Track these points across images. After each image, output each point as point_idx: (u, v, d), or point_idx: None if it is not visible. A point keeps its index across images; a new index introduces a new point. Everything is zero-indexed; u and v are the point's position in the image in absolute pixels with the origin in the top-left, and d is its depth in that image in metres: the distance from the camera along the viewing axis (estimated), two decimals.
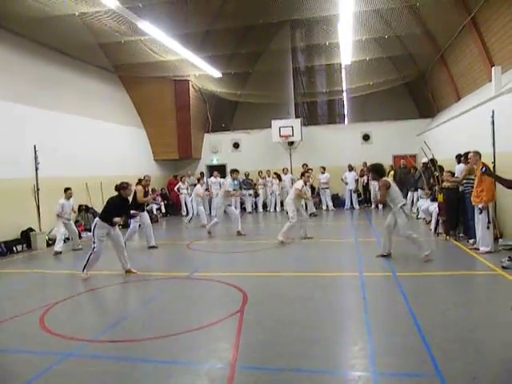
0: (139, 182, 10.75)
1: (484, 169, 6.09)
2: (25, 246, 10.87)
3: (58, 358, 4.15)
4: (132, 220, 10.42)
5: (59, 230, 10.22)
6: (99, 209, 13.74)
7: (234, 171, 12.30)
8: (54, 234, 10.78)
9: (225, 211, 11.71)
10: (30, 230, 11.13)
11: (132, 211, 9.09)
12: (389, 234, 7.82)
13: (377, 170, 7.83)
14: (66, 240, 10.92)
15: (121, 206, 7.62)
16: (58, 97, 13.02)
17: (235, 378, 3.56)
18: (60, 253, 10.00)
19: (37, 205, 11.58)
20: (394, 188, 7.57)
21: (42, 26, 11.28)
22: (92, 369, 3.93)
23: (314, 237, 10.38)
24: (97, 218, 7.57)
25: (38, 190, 11.63)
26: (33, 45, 12.12)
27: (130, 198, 8.53)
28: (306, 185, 10.95)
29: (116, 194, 7.64)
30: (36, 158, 11.69)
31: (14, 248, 10.57)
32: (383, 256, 7.82)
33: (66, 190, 10.29)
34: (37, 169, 11.69)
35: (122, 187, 7.61)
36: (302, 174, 10.92)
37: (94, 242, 7.33)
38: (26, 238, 10.97)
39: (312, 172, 16.05)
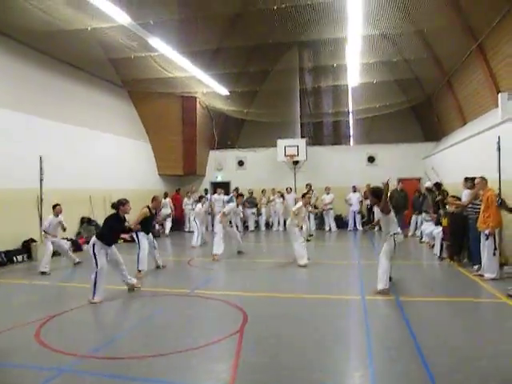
0: (151, 201, 9.64)
1: (500, 202, 6.06)
2: (25, 256, 10.82)
3: (52, 374, 4.08)
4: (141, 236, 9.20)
5: (47, 248, 9.43)
6: (101, 221, 13.79)
7: (240, 196, 12.26)
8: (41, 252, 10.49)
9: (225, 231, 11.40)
10: (32, 240, 11.10)
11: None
12: (387, 261, 7.63)
13: (376, 194, 7.56)
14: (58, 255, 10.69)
15: (119, 225, 7.23)
16: (65, 109, 13.11)
17: None
18: (46, 273, 9.07)
19: (40, 215, 11.56)
20: (393, 214, 7.32)
21: (52, 39, 11.43)
22: None
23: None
24: (94, 238, 6.96)
25: (41, 200, 11.63)
26: (43, 57, 12.25)
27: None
28: (305, 207, 10.43)
29: (113, 212, 7.24)
30: (41, 168, 11.73)
31: (15, 258, 10.53)
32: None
33: (55, 206, 9.72)
34: (41, 180, 11.71)
35: (120, 204, 7.18)
36: (303, 195, 10.55)
37: (95, 261, 6.80)
38: (27, 248, 10.93)
39: (314, 193, 16.03)
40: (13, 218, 10.58)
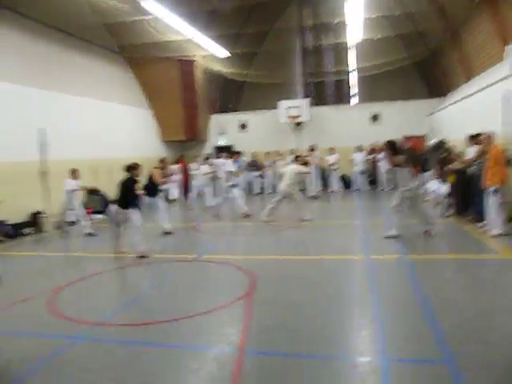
0: (159, 163, 10.31)
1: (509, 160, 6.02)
2: (33, 228, 10.93)
3: (67, 342, 4.19)
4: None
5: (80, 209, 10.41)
6: (107, 190, 13.83)
7: (236, 153, 12.62)
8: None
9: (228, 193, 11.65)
10: (38, 213, 11.18)
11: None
12: (396, 214, 7.77)
13: (393, 147, 7.75)
14: (72, 223, 10.94)
15: (133, 187, 7.59)
16: (64, 78, 12.90)
17: (244, 363, 3.56)
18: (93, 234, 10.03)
19: (45, 187, 11.57)
20: (402, 170, 7.47)
21: (46, 7, 11.14)
22: (100, 352, 3.97)
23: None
24: (113, 206, 7.58)
25: (46, 172, 11.61)
26: (37, 25, 11.93)
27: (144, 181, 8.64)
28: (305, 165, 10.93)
29: (126, 175, 7.57)
30: (42, 140, 11.64)
31: (23, 230, 10.64)
32: (391, 237, 7.77)
33: (73, 171, 10.33)
34: (44, 151, 11.64)
35: (132, 168, 7.57)
36: (296, 158, 10.84)
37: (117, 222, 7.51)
38: (34, 220, 11.03)
39: (314, 153, 15.96)
40: (18, 191, 10.60)
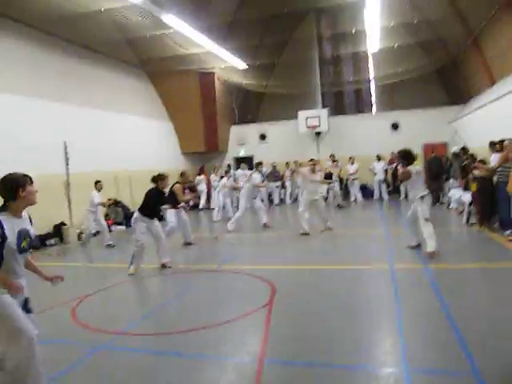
0: (179, 177, 9.73)
1: None
2: (57, 239, 11.14)
3: (89, 350, 4.23)
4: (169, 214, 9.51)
5: (100, 224, 10.42)
6: (127, 202, 14.02)
7: (259, 164, 12.55)
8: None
9: (250, 205, 11.56)
10: (62, 224, 11.40)
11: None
12: (413, 224, 7.59)
13: (404, 157, 7.37)
14: (96, 233, 11.13)
15: (159, 198, 7.60)
16: (86, 93, 13.22)
17: (264, 373, 3.53)
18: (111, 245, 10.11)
19: (68, 199, 11.83)
20: (415, 179, 7.24)
21: (69, 24, 11.45)
22: (122, 361, 3.99)
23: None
24: (136, 213, 7.43)
25: (68, 184, 11.88)
26: (61, 42, 12.32)
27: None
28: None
29: (152, 186, 7.55)
30: (66, 153, 11.93)
31: (47, 242, 10.85)
32: (413, 247, 7.64)
33: (97, 182, 10.40)
34: (67, 164, 11.93)
35: (159, 178, 7.52)
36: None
37: (137, 237, 7.27)
38: (58, 231, 11.24)
39: (339, 163, 15.97)
40: (43, 203, 10.71)
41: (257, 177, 11.89)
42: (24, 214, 3.26)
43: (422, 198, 7.11)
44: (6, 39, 10.62)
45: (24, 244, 3.14)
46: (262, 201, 17.24)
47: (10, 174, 3.20)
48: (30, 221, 3.39)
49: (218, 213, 13.76)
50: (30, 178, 3.28)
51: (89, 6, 10.30)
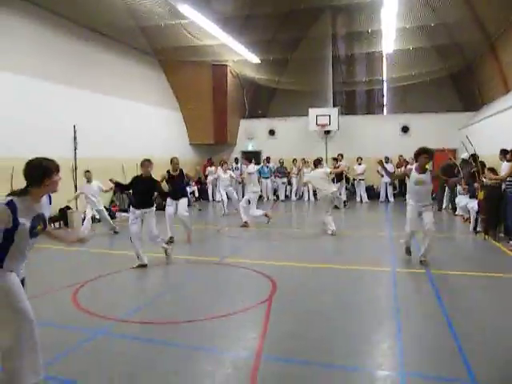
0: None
1: None
2: (62, 223, 11.20)
3: (87, 336, 4.25)
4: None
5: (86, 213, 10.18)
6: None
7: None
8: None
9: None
10: (67, 208, 11.44)
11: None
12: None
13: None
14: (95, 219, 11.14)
15: (139, 186, 7.13)
16: (97, 78, 13.23)
17: (260, 369, 3.53)
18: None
19: (74, 184, 11.87)
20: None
21: (83, 8, 11.44)
22: (118, 349, 4.00)
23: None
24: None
25: (76, 169, 11.92)
26: (74, 26, 12.30)
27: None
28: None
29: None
30: (75, 138, 11.97)
31: (52, 225, 10.90)
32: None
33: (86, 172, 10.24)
34: (75, 149, 11.97)
35: (141, 164, 7.19)
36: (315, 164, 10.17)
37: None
38: (63, 215, 11.30)
39: (345, 163, 15.88)
40: None
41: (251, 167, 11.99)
42: (43, 198, 3.25)
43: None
44: (17, 19, 10.57)
45: (38, 229, 3.16)
46: (267, 197, 17.38)
47: (38, 159, 3.17)
48: (50, 199, 3.36)
49: (224, 206, 13.69)
50: (57, 167, 3.24)
51: None
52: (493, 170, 8.92)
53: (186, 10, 10.91)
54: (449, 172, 12.30)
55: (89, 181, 10.14)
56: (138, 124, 15.14)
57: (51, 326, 4.48)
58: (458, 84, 19.07)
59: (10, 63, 10.27)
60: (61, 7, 11.39)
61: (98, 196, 10.25)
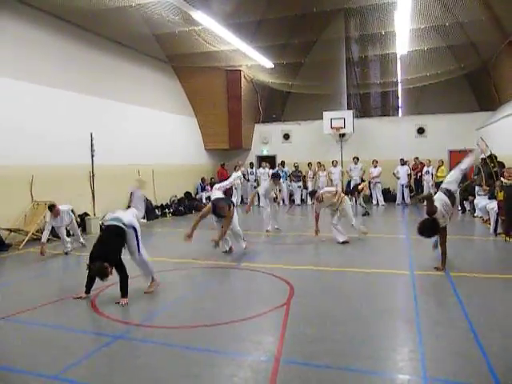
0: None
1: None
2: (80, 229, 11.32)
3: (107, 340, 4.29)
4: None
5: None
6: (150, 196, 14.18)
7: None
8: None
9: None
10: (86, 214, 11.59)
11: None
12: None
13: None
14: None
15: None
16: (113, 86, 13.42)
17: (279, 372, 3.51)
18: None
19: (91, 190, 12.03)
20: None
21: (98, 17, 11.62)
22: (139, 353, 4.03)
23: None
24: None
25: (93, 175, 12.09)
26: (90, 35, 12.50)
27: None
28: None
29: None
30: (92, 145, 12.15)
31: (70, 231, 11.02)
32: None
33: (51, 208, 8.51)
34: (93, 156, 12.15)
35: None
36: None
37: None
38: (81, 221, 11.43)
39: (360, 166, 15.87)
40: (68, 193, 11.06)
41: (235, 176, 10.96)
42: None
43: None
44: (34, 30, 10.79)
45: None
46: (283, 201, 17.34)
47: None
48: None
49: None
50: None
51: (120, 1, 10.41)
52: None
53: (199, 16, 11.01)
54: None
55: (56, 215, 8.55)
56: (154, 130, 15.29)
57: (71, 331, 4.54)
58: (473, 84, 18.82)
59: (26, 72, 10.50)
60: (76, 17, 11.59)
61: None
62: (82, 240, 9.58)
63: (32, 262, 8.24)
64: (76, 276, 7.12)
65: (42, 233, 10.19)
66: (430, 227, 6.35)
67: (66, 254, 8.88)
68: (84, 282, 5.70)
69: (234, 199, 17.37)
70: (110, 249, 5.41)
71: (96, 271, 5.27)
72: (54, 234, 10.41)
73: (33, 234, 9.95)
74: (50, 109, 11.01)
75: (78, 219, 11.27)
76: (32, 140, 10.37)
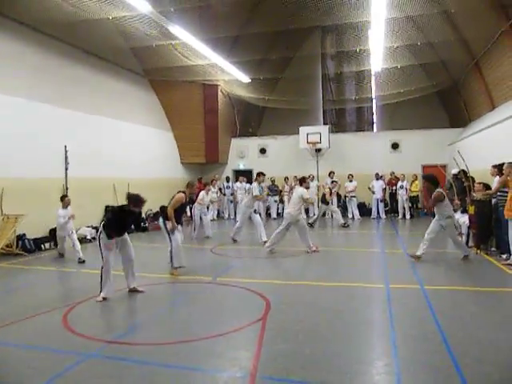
0: (187, 186, 8.72)
1: None
2: (52, 243, 11.07)
3: (79, 358, 4.15)
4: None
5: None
6: None
7: (260, 174, 11.69)
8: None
9: (249, 217, 11.49)
10: None
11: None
12: (429, 239, 7.90)
13: (432, 181, 8.30)
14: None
15: (126, 219, 6.61)
16: (89, 99, 13.27)
17: None
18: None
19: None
20: (446, 201, 7.71)
21: (74, 29, 11.55)
22: (112, 371, 3.92)
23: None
24: (100, 227, 6.42)
25: (67, 189, 11.85)
26: (66, 47, 12.38)
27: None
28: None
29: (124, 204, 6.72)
30: (66, 158, 11.94)
31: (42, 245, 10.78)
32: (414, 257, 8.14)
33: (63, 197, 9.47)
34: (66, 169, 11.93)
35: (131, 201, 6.52)
36: (301, 182, 10.00)
37: (101, 253, 6.34)
38: (53, 236, 11.15)
39: (336, 180, 16.06)
40: (40, 207, 10.81)
41: (255, 187, 11.44)
42: None
43: (451, 217, 7.96)
44: (9, 41, 10.64)
45: None
46: (260, 215, 17.34)
47: None
48: None
49: (194, 231, 12.62)
50: None
51: (97, 14, 10.37)
52: (486, 186, 8.99)
53: (176, 30, 11.05)
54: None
55: (66, 205, 9.32)
56: (130, 144, 15.14)
57: (40, 350, 4.39)
58: (445, 101, 19.43)
59: (6, 86, 10.33)
60: (51, 28, 11.46)
61: None
62: (81, 255, 9.19)
63: (1, 278, 7.98)
64: (46, 292, 6.92)
65: (11, 247, 9.98)
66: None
67: (83, 262, 9.01)
68: (51, 301, 5.54)
69: (210, 213, 17.35)
70: None
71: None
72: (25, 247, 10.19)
73: (2, 248, 9.66)
74: (23, 121, 10.78)
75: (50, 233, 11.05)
76: (3, 152, 10.12)
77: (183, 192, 8.07)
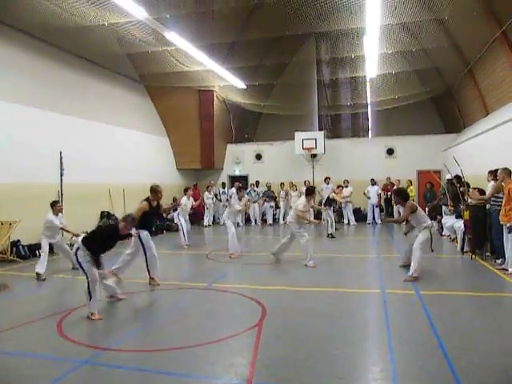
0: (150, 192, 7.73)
1: None
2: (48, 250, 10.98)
3: (73, 366, 4.13)
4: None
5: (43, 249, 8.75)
6: (121, 215, 13.93)
7: (241, 188, 11.52)
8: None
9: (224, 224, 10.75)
10: None
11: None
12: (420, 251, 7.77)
13: (400, 194, 8.00)
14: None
15: (110, 241, 6.11)
16: (85, 104, 13.26)
17: None
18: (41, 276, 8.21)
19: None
20: (420, 212, 7.62)
21: (70, 35, 11.54)
22: (106, 378, 3.89)
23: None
24: (79, 242, 5.87)
25: (62, 195, 11.80)
26: (62, 53, 12.39)
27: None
28: (309, 202, 9.36)
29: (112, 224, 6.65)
30: (61, 163, 11.90)
31: (37, 252, 10.68)
32: (404, 266, 7.99)
33: (54, 204, 8.92)
34: (62, 175, 11.89)
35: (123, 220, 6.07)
36: (309, 192, 9.45)
37: (83, 271, 5.79)
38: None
39: (331, 186, 16.08)
40: (35, 213, 10.72)
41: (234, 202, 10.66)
42: None
43: (426, 227, 7.54)
44: (5, 47, 10.63)
45: None
46: (255, 220, 17.43)
47: None
48: None
49: (184, 237, 11.88)
50: None
51: (93, 20, 10.38)
52: (481, 191, 9.01)
53: (172, 37, 11.07)
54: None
55: (57, 212, 8.88)
56: (125, 149, 15.12)
57: (34, 357, 4.36)
58: (439, 107, 19.56)
59: (1, 91, 10.28)
60: (48, 35, 11.47)
61: None
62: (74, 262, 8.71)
63: None
64: (40, 298, 6.88)
65: (5, 253, 9.92)
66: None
67: (77, 268, 8.17)
68: (46, 308, 5.49)
69: (205, 219, 17.34)
70: None
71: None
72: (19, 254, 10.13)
73: None
74: (18, 126, 10.75)
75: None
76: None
77: (146, 200, 7.52)
